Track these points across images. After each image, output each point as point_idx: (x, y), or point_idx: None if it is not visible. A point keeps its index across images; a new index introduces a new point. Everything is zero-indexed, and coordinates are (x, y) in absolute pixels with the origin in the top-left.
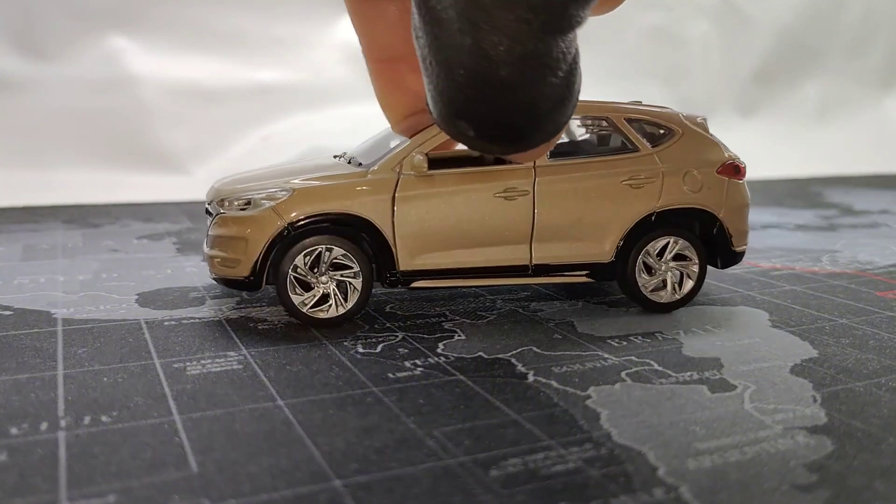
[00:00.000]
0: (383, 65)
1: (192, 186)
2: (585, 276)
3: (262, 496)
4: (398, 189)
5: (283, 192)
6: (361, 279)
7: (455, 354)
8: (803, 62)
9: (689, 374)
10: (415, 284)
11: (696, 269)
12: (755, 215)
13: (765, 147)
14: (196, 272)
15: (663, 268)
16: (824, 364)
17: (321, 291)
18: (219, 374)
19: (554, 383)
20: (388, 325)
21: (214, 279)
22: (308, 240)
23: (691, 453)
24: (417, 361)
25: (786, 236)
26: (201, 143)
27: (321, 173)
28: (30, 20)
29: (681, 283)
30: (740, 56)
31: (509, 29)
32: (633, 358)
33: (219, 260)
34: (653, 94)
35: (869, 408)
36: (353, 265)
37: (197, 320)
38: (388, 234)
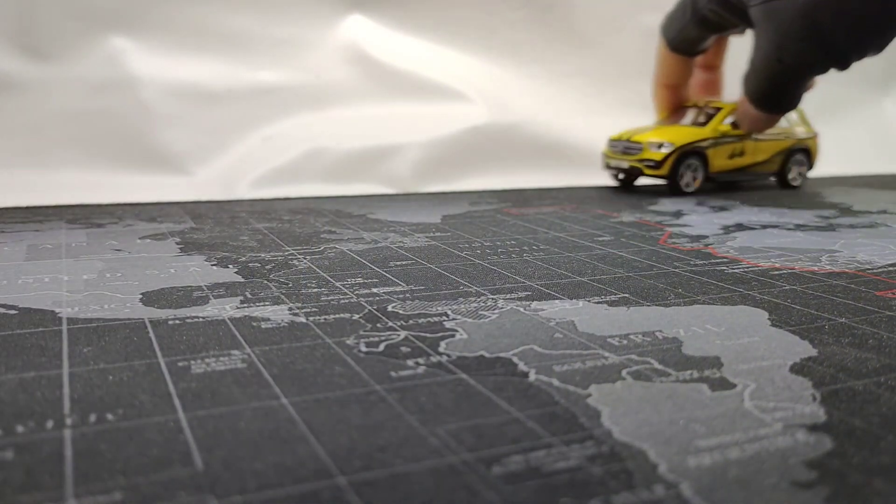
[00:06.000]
0: (667, 89)
1: (194, 187)
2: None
3: (267, 493)
4: None
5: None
6: None
7: (457, 353)
8: None
9: (689, 372)
10: None
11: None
12: (755, 215)
13: None
14: (199, 272)
15: None
16: (824, 363)
17: None
18: (223, 372)
19: (555, 381)
20: (390, 324)
21: None
22: None
23: (691, 451)
24: (420, 360)
25: (785, 236)
26: (202, 144)
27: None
28: (32, 21)
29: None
30: (738, 57)
31: None
32: (634, 356)
33: None
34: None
35: (868, 406)
36: None
37: (201, 319)
38: None
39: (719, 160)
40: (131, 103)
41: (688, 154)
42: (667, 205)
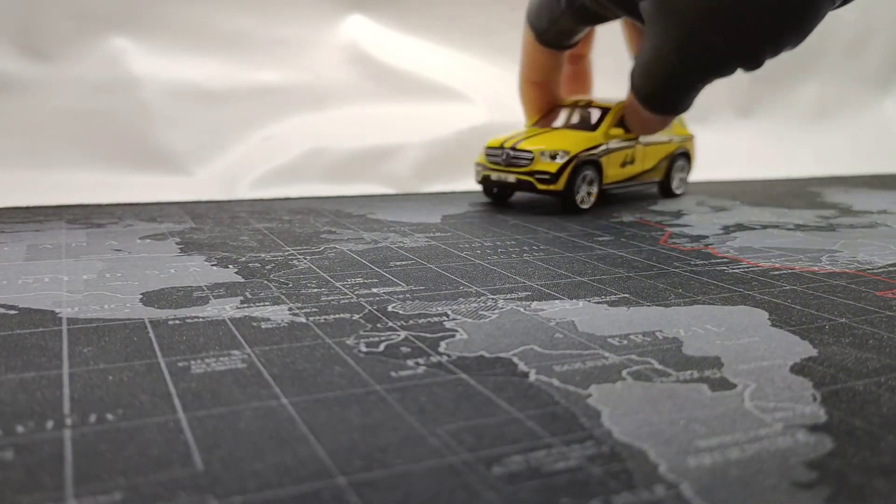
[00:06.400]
0: (537, 87)
1: (194, 187)
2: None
3: (267, 493)
4: None
5: None
6: None
7: (457, 353)
8: (802, 63)
9: (689, 372)
10: None
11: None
12: (755, 215)
13: (764, 147)
14: (199, 272)
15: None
16: (824, 363)
17: None
18: (223, 372)
19: (555, 382)
20: (390, 324)
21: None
22: None
23: (692, 451)
24: (420, 360)
25: (785, 236)
26: (202, 144)
27: None
28: (32, 21)
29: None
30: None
31: None
32: (634, 357)
33: None
34: None
35: (868, 406)
36: None
37: (201, 319)
38: None
39: (612, 169)
40: (131, 103)
41: (582, 164)
42: (667, 205)
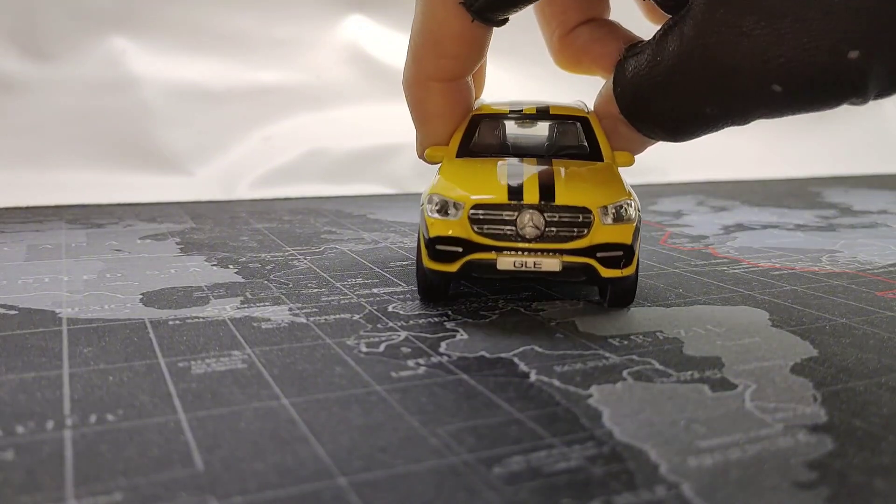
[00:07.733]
0: (446, 87)
1: (194, 187)
2: None
3: (268, 493)
4: None
5: None
6: None
7: (457, 353)
8: None
9: (690, 373)
10: None
11: None
12: (755, 215)
13: (765, 147)
14: (199, 272)
15: None
16: (825, 363)
17: None
18: (223, 372)
19: (556, 382)
20: (390, 324)
21: None
22: None
23: (692, 451)
24: (420, 360)
25: (786, 236)
26: (203, 144)
27: None
28: (32, 21)
29: None
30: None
31: None
32: (635, 357)
33: None
34: None
35: (869, 406)
36: None
37: (201, 319)
38: None
39: None
40: (131, 103)
41: None
42: (667, 204)
